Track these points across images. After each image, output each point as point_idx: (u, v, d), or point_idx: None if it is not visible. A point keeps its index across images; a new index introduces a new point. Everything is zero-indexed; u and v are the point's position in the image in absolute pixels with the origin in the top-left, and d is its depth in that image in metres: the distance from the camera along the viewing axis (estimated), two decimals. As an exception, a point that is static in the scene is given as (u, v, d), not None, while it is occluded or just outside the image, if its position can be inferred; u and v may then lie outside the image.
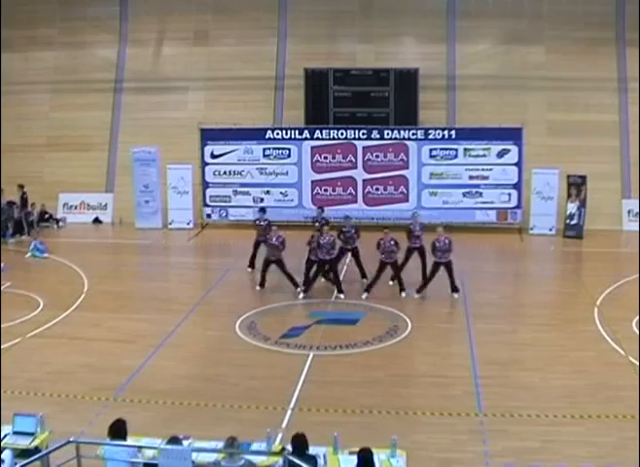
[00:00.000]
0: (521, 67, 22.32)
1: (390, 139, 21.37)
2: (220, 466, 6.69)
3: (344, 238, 15.53)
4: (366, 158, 21.52)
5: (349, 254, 15.82)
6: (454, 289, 14.74)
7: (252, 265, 16.65)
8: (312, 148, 21.64)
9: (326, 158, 21.64)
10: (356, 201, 21.68)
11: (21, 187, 22.12)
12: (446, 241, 14.54)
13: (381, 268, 14.78)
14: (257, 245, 16.57)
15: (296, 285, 15.12)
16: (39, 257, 18.43)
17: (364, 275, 15.67)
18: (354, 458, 6.93)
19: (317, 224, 16.08)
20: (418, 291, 14.82)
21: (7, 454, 7.42)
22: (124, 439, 7.21)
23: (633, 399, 9.55)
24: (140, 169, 22.11)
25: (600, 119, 21.68)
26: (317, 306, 14.36)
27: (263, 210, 17.18)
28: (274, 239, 15.12)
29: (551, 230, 20.64)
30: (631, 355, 11.25)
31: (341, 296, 14.81)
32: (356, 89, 21.90)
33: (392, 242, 14.63)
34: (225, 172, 22.05)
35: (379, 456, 7.19)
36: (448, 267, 14.61)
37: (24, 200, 22.05)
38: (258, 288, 15.34)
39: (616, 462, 8.11)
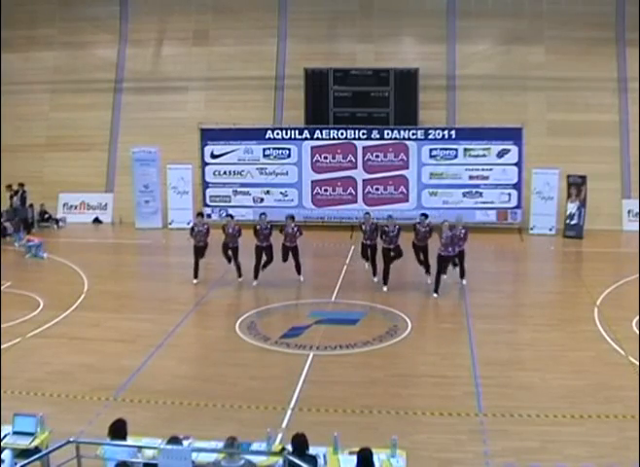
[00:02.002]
0: (521, 67, 22.33)
1: (390, 139, 21.38)
2: (220, 466, 6.69)
3: (387, 239, 15.42)
4: (366, 158, 21.53)
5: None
6: (462, 275, 15.34)
7: (196, 275, 16.04)
8: (312, 148, 21.65)
9: (326, 158, 21.65)
10: (356, 201, 21.69)
11: (22, 185, 22.22)
12: (462, 231, 15.03)
13: (441, 261, 14.99)
14: (198, 252, 16.07)
15: (240, 275, 15.92)
16: (38, 257, 18.39)
17: (386, 278, 15.64)
18: (354, 458, 6.93)
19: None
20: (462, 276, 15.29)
21: (7, 454, 7.42)
22: (124, 439, 7.21)
23: (633, 399, 9.55)
24: (140, 169, 22.13)
25: (600, 119, 21.70)
26: (317, 306, 14.35)
27: (201, 215, 17.04)
28: (231, 229, 15.88)
29: (551, 230, 20.65)
30: (631, 355, 11.25)
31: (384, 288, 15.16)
32: (356, 89, 21.92)
33: (463, 232, 15.10)
34: (225, 172, 22.06)
35: (379, 456, 7.19)
36: (461, 255, 15.11)
37: (24, 199, 22.13)
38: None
39: (616, 462, 8.10)
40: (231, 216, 16.84)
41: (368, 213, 16.65)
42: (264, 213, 16.45)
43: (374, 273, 15.86)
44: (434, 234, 15.36)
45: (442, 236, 14.84)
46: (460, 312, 13.92)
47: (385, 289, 15.12)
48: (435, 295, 14.81)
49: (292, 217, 16.27)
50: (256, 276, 15.69)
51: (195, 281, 15.88)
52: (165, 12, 23.85)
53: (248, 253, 15.96)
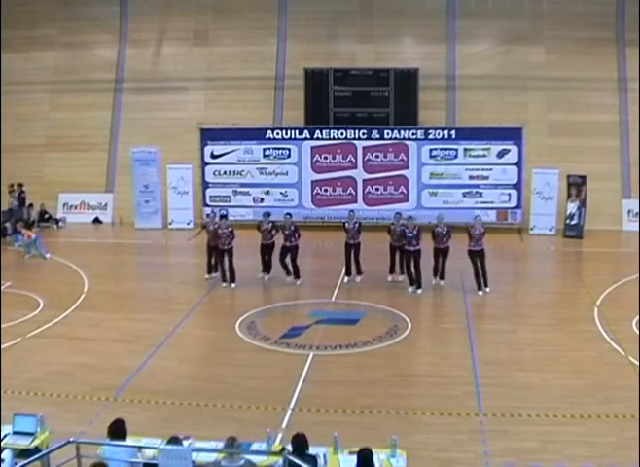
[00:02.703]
0: (521, 67, 22.32)
1: (390, 139, 21.38)
2: (220, 466, 6.69)
3: (408, 240, 15.13)
4: (366, 158, 21.53)
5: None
6: (442, 276, 15.40)
7: (211, 271, 16.24)
8: (312, 148, 21.65)
9: (326, 158, 21.65)
10: (356, 201, 21.68)
11: (20, 185, 22.21)
12: (445, 229, 15.16)
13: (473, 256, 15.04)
14: (222, 254, 15.93)
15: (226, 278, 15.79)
16: (40, 254, 18.33)
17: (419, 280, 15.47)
18: (354, 458, 6.93)
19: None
20: (412, 285, 15.13)
21: (7, 454, 7.42)
22: (124, 439, 7.20)
23: (633, 399, 9.54)
24: (140, 169, 22.12)
25: (600, 119, 21.69)
26: (317, 306, 14.35)
27: (225, 217, 16.56)
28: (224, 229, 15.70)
29: (551, 230, 20.65)
30: (631, 355, 11.24)
31: (413, 289, 15.07)
32: (356, 89, 21.91)
33: (445, 229, 15.15)
34: (225, 172, 22.06)
35: (379, 456, 7.19)
36: (445, 253, 15.22)
37: (22, 199, 22.12)
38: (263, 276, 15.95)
39: (616, 462, 8.10)
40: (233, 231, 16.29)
41: (352, 211, 16.61)
42: (289, 213, 16.30)
43: (359, 272, 15.88)
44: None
45: (473, 232, 14.97)
46: (460, 312, 13.91)
47: (410, 290, 15.07)
48: (481, 292, 14.88)
49: (268, 214, 16.31)
50: (288, 273, 15.89)
51: (207, 276, 16.08)
52: (165, 12, 23.85)
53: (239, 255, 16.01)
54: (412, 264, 15.08)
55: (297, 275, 15.78)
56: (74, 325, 13.13)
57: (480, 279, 15.00)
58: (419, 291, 14.99)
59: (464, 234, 15.30)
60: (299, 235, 15.79)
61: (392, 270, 15.77)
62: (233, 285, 15.62)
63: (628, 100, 21.71)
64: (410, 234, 15.04)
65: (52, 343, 12.20)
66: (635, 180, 21.34)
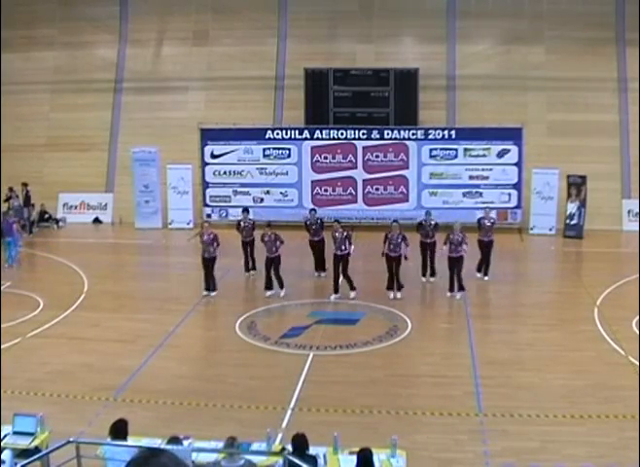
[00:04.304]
0: (521, 67, 22.32)
1: (390, 139, 21.36)
2: (220, 466, 6.69)
3: (424, 233, 15.76)
4: (366, 158, 21.51)
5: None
6: (460, 287, 14.70)
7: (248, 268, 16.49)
8: (312, 148, 21.63)
9: (326, 158, 21.63)
10: (356, 201, 21.67)
11: (25, 185, 22.19)
12: (460, 236, 14.74)
13: (451, 263, 14.84)
14: (245, 246, 16.34)
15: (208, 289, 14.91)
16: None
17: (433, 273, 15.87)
18: (354, 458, 6.94)
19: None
20: (452, 289, 14.96)
21: (7, 454, 7.42)
22: (125, 439, 7.21)
23: (633, 399, 9.54)
24: (140, 169, 22.11)
25: (600, 119, 21.68)
26: (317, 306, 14.36)
27: (247, 211, 16.92)
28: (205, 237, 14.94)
29: (551, 230, 20.64)
30: (631, 355, 11.25)
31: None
32: (356, 89, 21.90)
33: (461, 236, 14.76)
34: (225, 172, 22.05)
35: (379, 456, 7.19)
36: (459, 261, 14.67)
37: (28, 199, 22.11)
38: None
39: (616, 462, 8.10)
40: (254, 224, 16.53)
41: (337, 220, 15.74)
42: (313, 209, 16.87)
43: (353, 288, 14.80)
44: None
45: (484, 223, 16.04)
46: (460, 312, 13.92)
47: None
48: (479, 275, 16.00)
49: (314, 210, 16.82)
50: (323, 269, 16.22)
51: (204, 293, 14.83)
52: (165, 12, 23.84)
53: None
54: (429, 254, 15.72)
55: (323, 269, 16.30)
56: (74, 325, 13.14)
57: (482, 266, 15.93)
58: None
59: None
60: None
61: (391, 287, 14.86)
62: (268, 293, 14.87)
63: (628, 100, 21.69)
64: (429, 228, 15.73)
65: (51, 343, 12.20)
66: (635, 180, 21.33)
